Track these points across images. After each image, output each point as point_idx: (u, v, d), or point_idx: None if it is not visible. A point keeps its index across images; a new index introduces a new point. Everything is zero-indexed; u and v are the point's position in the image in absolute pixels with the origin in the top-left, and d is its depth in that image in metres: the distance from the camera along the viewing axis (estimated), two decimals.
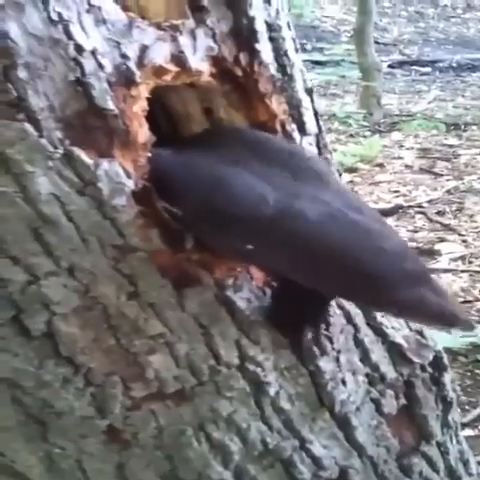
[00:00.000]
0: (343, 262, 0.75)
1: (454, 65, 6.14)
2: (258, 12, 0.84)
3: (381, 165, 3.76)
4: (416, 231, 2.95)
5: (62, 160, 0.74)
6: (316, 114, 0.92)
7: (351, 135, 4.29)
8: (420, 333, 1.04)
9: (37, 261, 0.77)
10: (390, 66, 6.11)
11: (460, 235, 2.89)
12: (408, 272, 0.75)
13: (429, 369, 1.03)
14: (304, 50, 6.47)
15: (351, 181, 3.54)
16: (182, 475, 0.91)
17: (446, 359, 1.06)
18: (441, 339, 2.04)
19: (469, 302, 2.35)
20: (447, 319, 0.76)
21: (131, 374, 0.85)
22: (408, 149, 4.01)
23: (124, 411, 0.86)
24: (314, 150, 0.93)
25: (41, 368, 0.81)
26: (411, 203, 3.24)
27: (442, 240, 2.86)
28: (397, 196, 3.37)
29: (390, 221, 3.01)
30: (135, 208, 0.78)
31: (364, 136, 4.25)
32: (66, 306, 0.79)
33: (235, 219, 0.75)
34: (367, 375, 0.99)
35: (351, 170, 3.67)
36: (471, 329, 0.78)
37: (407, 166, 3.75)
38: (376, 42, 5.93)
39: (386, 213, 3.09)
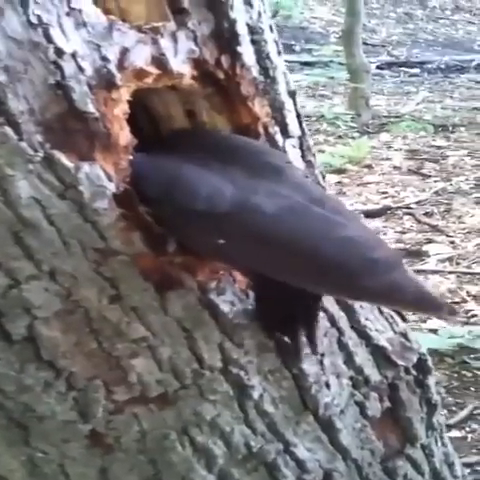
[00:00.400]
0: (303, 254, 0.75)
1: (442, 66, 6.16)
2: (239, 15, 0.84)
3: (369, 166, 3.77)
4: (404, 232, 2.96)
5: (42, 163, 0.73)
6: (299, 116, 0.92)
7: (339, 136, 4.29)
8: (404, 335, 1.04)
9: (18, 265, 0.76)
10: (379, 67, 6.11)
11: (448, 236, 2.89)
12: (375, 260, 0.74)
13: (413, 372, 1.03)
14: (292, 51, 6.48)
15: (339, 182, 3.54)
16: (166, 479, 0.91)
17: (430, 361, 1.06)
18: (428, 340, 2.06)
19: (456, 303, 2.35)
20: (426, 304, 0.75)
21: (113, 378, 0.85)
22: (396, 150, 4.02)
23: (107, 415, 0.86)
24: (297, 152, 0.93)
25: (22, 372, 0.81)
26: (399, 204, 3.25)
27: (430, 241, 2.86)
28: (385, 197, 3.38)
29: (378, 222, 3.01)
30: (116, 211, 0.78)
31: (352, 137, 4.25)
32: (47, 310, 0.79)
33: (194, 214, 0.76)
34: (351, 378, 0.98)
35: (339, 171, 3.67)
36: (454, 314, 0.77)
37: (395, 167, 3.75)
38: (364, 43, 5.94)
39: (374, 214, 3.10)
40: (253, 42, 0.86)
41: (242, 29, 0.84)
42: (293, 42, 6.70)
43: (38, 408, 0.83)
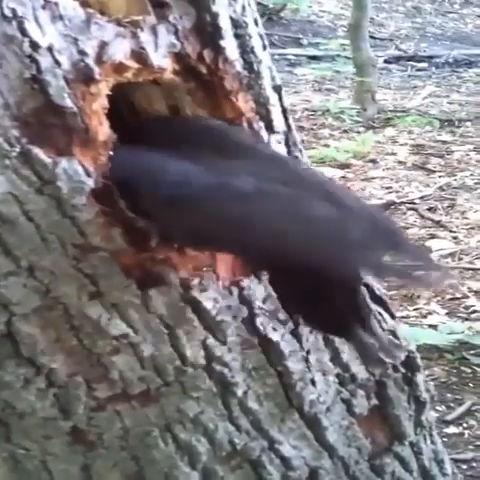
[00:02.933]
0: (269, 235, 0.74)
1: (450, 61, 6.12)
2: (222, 8, 0.83)
3: (374, 161, 3.75)
4: (407, 227, 2.94)
5: (19, 159, 0.73)
6: (284, 111, 0.91)
7: (345, 131, 4.26)
8: (393, 333, 1.03)
9: None
10: (386, 61, 6.08)
11: (451, 232, 2.88)
12: (345, 241, 0.73)
13: (401, 369, 1.03)
14: (300, 45, 6.46)
15: (344, 177, 3.52)
16: (149, 476, 0.90)
17: (419, 359, 1.05)
18: (427, 336, 2.05)
19: (458, 299, 2.34)
20: (407, 279, 0.74)
21: (95, 375, 0.84)
22: (401, 145, 3.99)
23: (88, 412, 0.86)
24: (283, 148, 0.92)
25: (1, 369, 0.81)
26: (403, 199, 3.23)
27: (433, 237, 2.85)
28: (389, 192, 3.36)
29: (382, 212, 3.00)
30: (96, 207, 0.77)
31: (358, 132, 4.23)
32: (26, 306, 0.79)
33: (161, 199, 0.76)
34: (338, 375, 0.98)
35: (344, 166, 3.65)
36: (449, 275, 0.75)
37: (400, 162, 3.73)
38: (372, 37, 5.92)
39: None
40: (237, 36, 0.85)
41: (225, 23, 0.83)
42: (300, 36, 6.67)
43: (18, 405, 0.83)
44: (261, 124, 0.89)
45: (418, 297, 2.33)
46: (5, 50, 0.70)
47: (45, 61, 0.72)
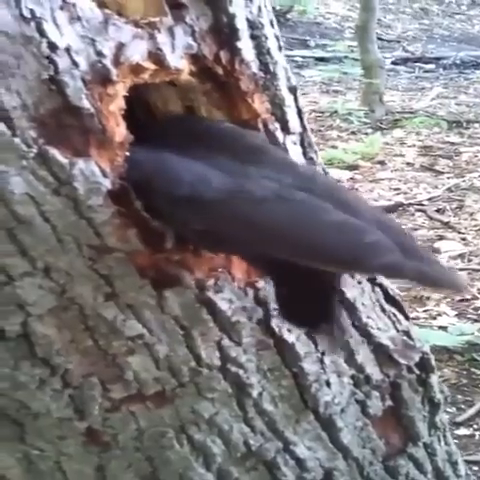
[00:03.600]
0: (287, 240, 0.75)
1: (458, 62, 6.11)
2: (239, 9, 0.83)
3: (382, 162, 3.75)
4: (416, 229, 2.94)
5: (36, 159, 0.73)
6: (300, 112, 0.91)
7: (353, 132, 4.27)
8: (407, 334, 1.03)
9: (12, 262, 0.76)
10: (394, 63, 6.07)
11: (460, 233, 2.88)
12: (364, 245, 0.73)
13: (416, 370, 1.02)
14: (307, 46, 6.46)
15: (352, 178, 3.52)
16: (163, 477, 0.90)
17: (433, 360, 1.05)
18: (437, 337, 2.05)
19: (467, 300, 2.34)
20: (429, 281, 0.75)
21: (110, 375, 0.84)
22: (409, 146, 3.99)
23: (103, 413, 0.85)
24: (298, 149, 0.92)
25: (17, 369, 0.80)
26: (411, 201, 3.23)
27: (441, 238, 2.85)
28: (398, 194, 3.36)
29: (393, 218, 2.99)
30: (112, 208, 0.77)
31: (365, 133, 4.23)
32: (42, 307, 0.79)
33: (178, 200, 0.76)
34: (352, 376, 0.98)
35: (352, 167, 3.65)
36: (462, 289, 0.76)
37: (408, 164, 3.73)
38: (380, 39, 5.92)
39: (386, 211, 3.08)
40: (253, 37, 0.85)
41: (241, 24, 0.83)
42: (308, 37, 6.67)
43: (33, 405, 0.83)
44: (277, 125, 0.89)
45: (428, 299, 2.33)
46: (23, 51, 0.69)
47: (63, 62, 0.71)
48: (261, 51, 0.86)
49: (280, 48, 0.89)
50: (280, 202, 0.75)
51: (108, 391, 0.85)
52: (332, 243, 0.74)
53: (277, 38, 0.89)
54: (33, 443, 0.86)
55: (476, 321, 2.19)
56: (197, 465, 0.91)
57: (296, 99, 0.91)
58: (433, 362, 1.05)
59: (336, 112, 4.54)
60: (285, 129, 0.90)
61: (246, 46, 0.84)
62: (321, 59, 6.07)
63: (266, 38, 0.87)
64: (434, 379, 1.04)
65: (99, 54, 0.74)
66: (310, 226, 0.75)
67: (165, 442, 0.89)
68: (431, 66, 6.10)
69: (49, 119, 0.72)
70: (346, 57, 5.81)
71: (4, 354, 0.79)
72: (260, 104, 0.86)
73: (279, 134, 0.89)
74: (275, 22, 0.89)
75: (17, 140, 0.71)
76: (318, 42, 6.57)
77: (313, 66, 5.88)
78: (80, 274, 0.79)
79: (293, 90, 0.91)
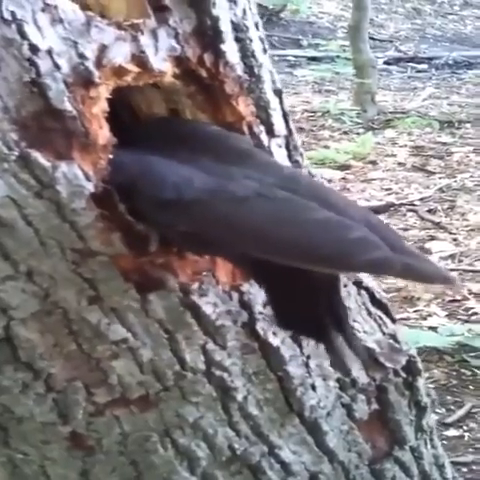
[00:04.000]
0: (271, 239, 0.74)
1: (450, 62, 6.10)
2: (223, 12, 0.82)
3: (374, 162, 3.74)
4: (407, 229, 2.94)
5: (18, 162, 0.72)
6: (285, 115, 0.91)
7: (345, 132, 4.26)
8: (393, 337, 1.03)
9: None
10: (386, 63, 6.06)
11: (451, 233, 2.87)
12: (348, 242, 0.72)
13: (402, 374, 1.02)
14: (299, 46, 6.45)
15: (343, 178, 3.52)
16: None
17: (420, 363, 1.05)
18: (427, 338, 2.04)
19: (458, 301, 2.33)
20: (416, 275, 0.73)
21: (94, 380, 0.84)
22: (401, 146, 3.98)
23: (87, 417, 0.85)
24: (283, 152, 0.92)
25: (0, 373, 0.80)
26: (403, 201, 3.22)
27: (433, 238, 2.84)
28: (389, 194, 3.35)
29: (381, 219, 2.99)
30: (95, 211, 0.77)
31: (357, 133, 4.22)
32: (25, 311, 0.78)
33: (162, 203, 0.75)
34: (338, 380, 0.97)
35: (344, 167, 3.64)
36: (453, 283, 0.75)
37: (400, 164, 3.73)
38: (372, 38, 5.91)
39: (377, 211, 3.08)
40: (237, 40, 0.85)
41: (225, 26, 0.83)
42: (300, 37, 6.66)
43: (16, 409, 0.83)
44: (262, 128, 0.88)
45: (418, 299, 2.32)
46: (4, 53, 0.69)
47: (44, 64, 0.71)
48: (246, 54, 0.86)
49: (265, 50, 0.89)
50: (262, 201, 0.74)
51: (92, 395, 0.84)
52: (316, 241, 0.73)
53: (262, 40, 0.89)
54: (17, 447, 0.85)
55: (466, 322, 2.19)
56: (181, 469, 0.91)
57: (281, 102, 0.90)
58: (420, 365, 1.05)
59: (328, 112, 4.53)
60: (270, 132, 0.89)
61: (230, 49, 0.84)
62: (313, 58, 6.05)
63: (251, 41, 0.86)
64: (421, 382, 1.04)
65: (81, 56, 0.73)
66: (293, 224, 0.74)
67: (149, 446, 0.89)
68: (423, 66, 6.09)
69: (31, 122, 0.72)
70: (338, 57, 5.79)
71: None
72: (245, 107, 0.86)
73: (264, 137, 0.89)
74: (260, 24, 0.89)
75: None
76: (311, 41, 6.56)
77: (305, 65, 5.86)
78: (63, 278, 0.78)
79: (278, 93, 0.90)
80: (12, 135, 0.71)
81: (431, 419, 1.09)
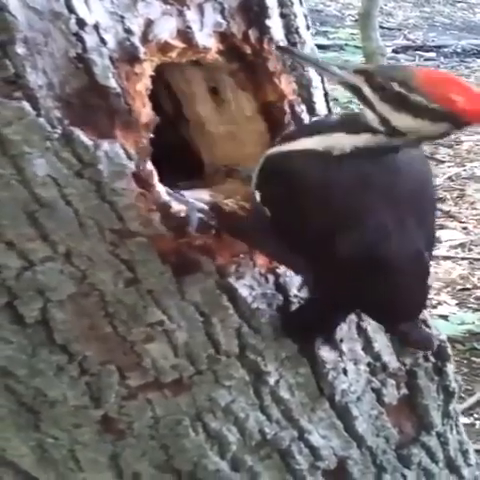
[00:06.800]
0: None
1: (459, 51, 6.07)
2: None
3: None
4: None
5: (61, 140, 0.71)
6: (326, 94, 0.89)
7: None
8: (424, 323, 1.01)
9: (33, 246, 0.74)
10: (394, 51, 6.02)
11: (460, 222, 2.86)
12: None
13: (432, 359, 1.01)
14: None
15: None
16: (177, 465, 0.89)
17: (449, 349, 1.04)
18: (438, 326, 2.03)
19: (468, 290, 2.33)
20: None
21: (128, 363, 0.83)
22: None
23: (120, 400, 0.84)
24: None
25: (34, 356, 0.79)
26: None
27: (442, 227, 2.83)
28: None
29: None
30: (136, 191, 0.75)
31: None
32: (62, 293, 0.77)
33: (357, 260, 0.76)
34: (369, 364, 0.96)
35: None
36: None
37: None
38: (381, 27, 5.86)
39: None
40: (282, 15, 0.83)
41: (271, 1, 0.81)
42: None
43: (50, 393, 0.81)
44: (303, 107, 0.86)
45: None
46: (51, 27, 0.67)
47: (91, 39, 0.69)
48: (290, 30, 0.84)
49: (308, 27, 0.87)
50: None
51: (125, 378, 0.83)
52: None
53: (305, 16, 0.87)
54: (48, 431, 0.84)
55: (477, 310, 2.18)
56: (212, 453, 0.89)
57: (323, 80, 0.88)
58: (449, 351, 1.04)
59: (337, 100, 4.50)
60: (311, 111, 0.87)
61: (275, 24, 0.82)
62: (322, 46, 6.01)
63: (295, 16, 0.84)
64: (450, 368, 1.03)
65: (128, 31, 0.71)
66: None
67: (181, 430, 0.87)
68: (432, 54, 6.06)
69: (75, 99, 0.70)
70: (347, 45, 5.76)
71: (22, 340, 0.77)
72: (287, 85, 0.84)
73: (305, 116, 0.87)
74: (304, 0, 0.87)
75: (42, 120, 0.69)
76: (319, 29, 6.51)
77: None
78: (101, 259, 0.77)
79: None
80: (55, 112, 0.70)
81: (456, 405, 1.08)
